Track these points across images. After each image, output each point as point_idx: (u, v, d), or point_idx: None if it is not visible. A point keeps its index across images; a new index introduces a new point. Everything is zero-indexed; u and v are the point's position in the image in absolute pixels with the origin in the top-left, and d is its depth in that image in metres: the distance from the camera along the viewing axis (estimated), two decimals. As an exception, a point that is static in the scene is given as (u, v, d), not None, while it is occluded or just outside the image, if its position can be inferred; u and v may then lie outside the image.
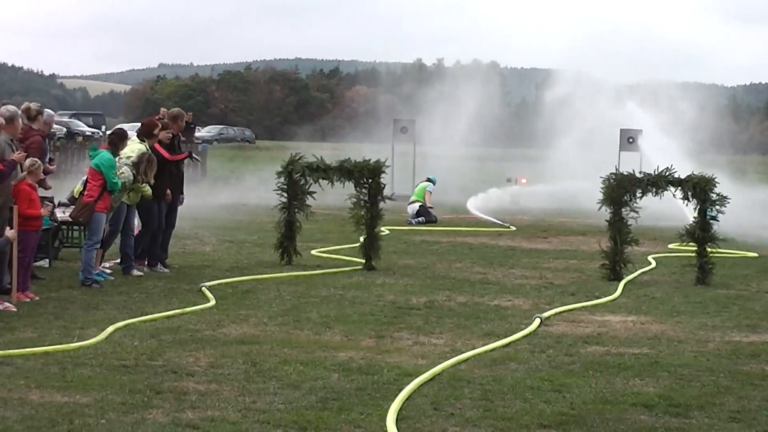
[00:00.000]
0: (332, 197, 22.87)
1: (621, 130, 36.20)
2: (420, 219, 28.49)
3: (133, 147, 16.00)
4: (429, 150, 43.72)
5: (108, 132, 16.40)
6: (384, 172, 18.02)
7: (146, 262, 16.63)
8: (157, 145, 16.42)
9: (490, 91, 52.45)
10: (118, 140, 15.34)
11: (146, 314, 12.72)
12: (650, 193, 17.43)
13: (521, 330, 12.53)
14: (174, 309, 13.13)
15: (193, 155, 17.82)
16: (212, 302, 13.72)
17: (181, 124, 17.47)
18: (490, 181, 28.90)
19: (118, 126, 16.23)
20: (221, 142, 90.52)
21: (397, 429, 8.17)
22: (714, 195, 17.16)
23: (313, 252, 19.65)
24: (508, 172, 37.55)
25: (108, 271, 15.95)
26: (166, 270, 16.58)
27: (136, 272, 16.07)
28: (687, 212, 20.01)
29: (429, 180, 30.32)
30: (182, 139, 17.65)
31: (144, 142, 16.19)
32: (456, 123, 48.13)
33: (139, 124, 17.30)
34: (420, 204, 28.92)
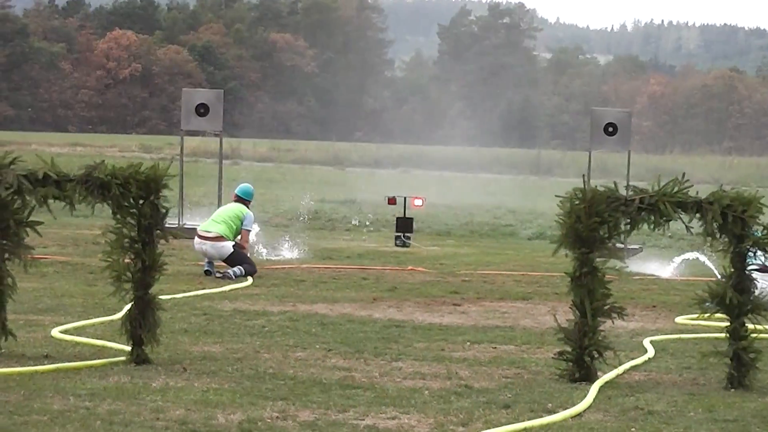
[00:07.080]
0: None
1: (592, 109, 23.82)
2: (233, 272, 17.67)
3: None
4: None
5: None
6: (167, 185, 10.82)
7: None
8: None
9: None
10: None
11: None
12: (646, 223, 10.32)
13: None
14: None
15: None
16: None
17: None
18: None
19: None
20: None
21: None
22: (760, 227, 10.37)
23: (53, 332, 12.23)
24: (390, 191, 28.95)
25: None
26: None
27: None
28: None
29: (240, 199, 18.45)
30: None
31: None
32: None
33: None
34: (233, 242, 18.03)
